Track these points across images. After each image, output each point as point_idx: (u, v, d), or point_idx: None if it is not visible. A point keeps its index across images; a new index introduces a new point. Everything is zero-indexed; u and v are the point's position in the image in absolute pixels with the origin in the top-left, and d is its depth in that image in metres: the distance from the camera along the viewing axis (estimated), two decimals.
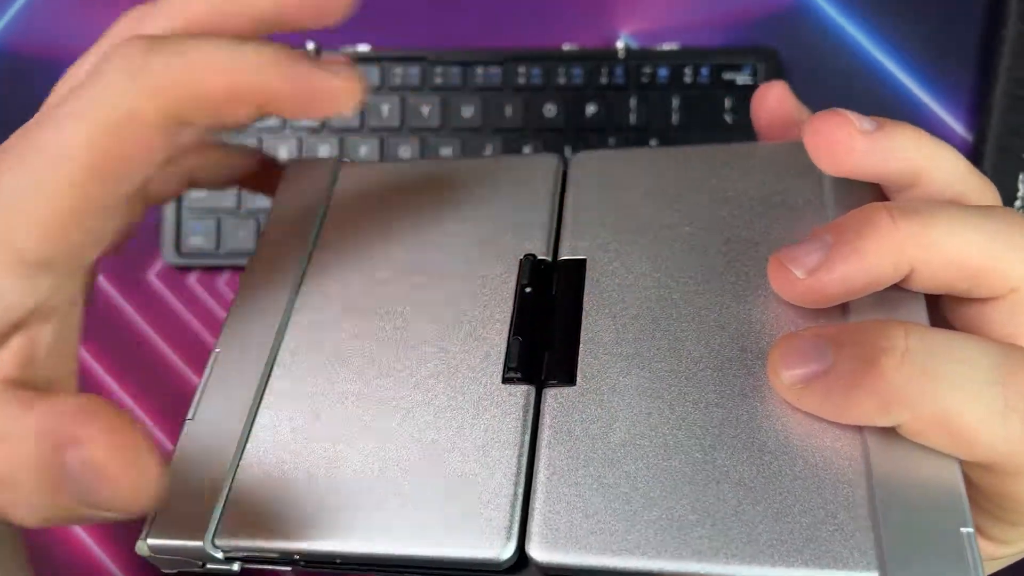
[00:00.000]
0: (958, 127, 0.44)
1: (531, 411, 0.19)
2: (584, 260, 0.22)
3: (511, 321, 0.21)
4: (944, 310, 0.20)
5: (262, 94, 0.18)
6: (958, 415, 0.16)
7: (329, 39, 0.45)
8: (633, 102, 0.43)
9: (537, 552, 0.17)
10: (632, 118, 0.43)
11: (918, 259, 0.18)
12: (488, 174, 0.25)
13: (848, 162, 0.19)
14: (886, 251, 0.18)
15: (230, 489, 0.19)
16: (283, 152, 0.44)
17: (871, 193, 0.21)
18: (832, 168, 0.19)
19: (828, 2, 0.45)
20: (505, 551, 0.17)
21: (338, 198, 0.25)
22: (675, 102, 0.43)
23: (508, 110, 0.44)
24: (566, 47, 0.44)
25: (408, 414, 0.20)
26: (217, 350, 0.22)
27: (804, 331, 0.18)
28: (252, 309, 0.22)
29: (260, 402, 0.21)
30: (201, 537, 0.19)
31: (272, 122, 0.44)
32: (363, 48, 0.44)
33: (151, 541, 0.19)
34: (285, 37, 0.47)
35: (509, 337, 0.20)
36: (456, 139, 0.44)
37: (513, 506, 0.18)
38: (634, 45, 0.45)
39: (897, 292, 0.18)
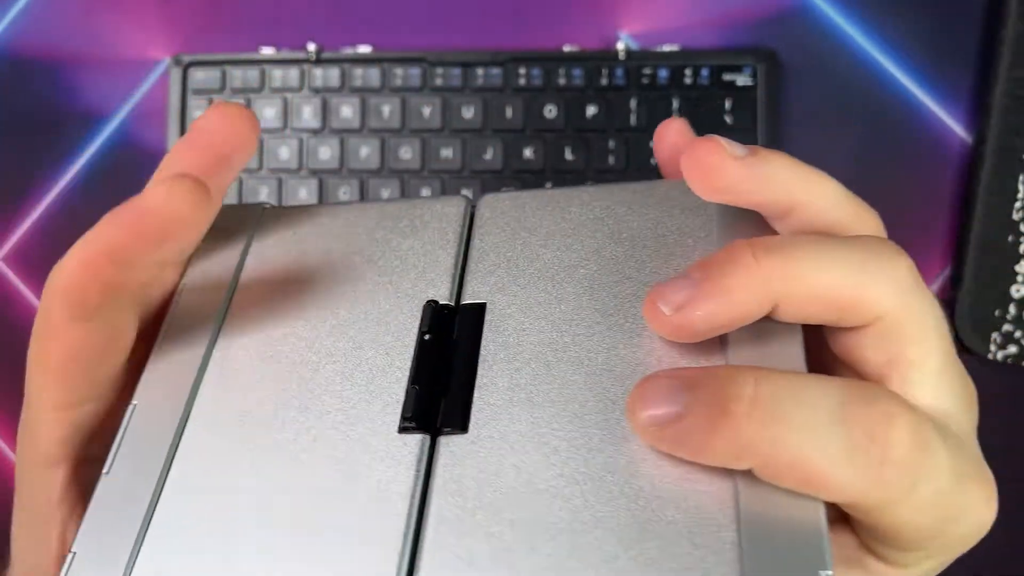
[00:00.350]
0: (958, 128, 0.44)
1: (424, 460, 0.20)
2: (484, 304, 0.22)
3: (410, 369, 0.21)
4: (825, 337, 0.21)
5: (122, 251, 0.20)
6: (807, 460, 0.16)
7: (331, 41, 0.45)
8: (633, 103, 0.43)
9: None
10: (632, 119, 0.43)
11: (782, 294, 0.18)
12: (397, 218, 0.25)
13: (720, 186, 0.19)
14: (750, 287, 0.18)
15: (141, 543, 0.20)
16: (284, 153, 0.44)
17: (756, 228, 0.21)
18: (706, 192, 0.20)
19: (828, 3, 0.45)
20: None
21: (257, 246, 0.25)
22: (675, 103, 0.43)
23: (508, 111, 0.44)
24: (566, 48, 0.44)
25: (308, 467, 0.20)
26: (134, 402, 0.22)
27: (662, 372, 0.18)
28: (169, 361, 0.23)
29: (173, 458, 0.21)
30: None
31: (273, 124, 0.44)
32: (364, 49, 0.44)
33: None
34: (286, 38, 0.47)
35: (408, 385, 0.21)
36: (457, 140, 0.44)
37: (402, 553, 0.18)
38: (634, 46, 0.45)
39: (773, 323, 0.19)
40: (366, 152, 0.44)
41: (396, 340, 0.22)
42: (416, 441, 0.20)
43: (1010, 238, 0.42)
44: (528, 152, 0.43)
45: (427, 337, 0.22)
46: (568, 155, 0.43)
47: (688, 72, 0.43)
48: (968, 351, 0.42)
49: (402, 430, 0.20)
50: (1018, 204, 0.42)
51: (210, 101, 0.44)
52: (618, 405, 0.19)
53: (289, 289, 0.24)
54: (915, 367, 0.19)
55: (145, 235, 0.21)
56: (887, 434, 0.16)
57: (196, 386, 0.22)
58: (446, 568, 0.18)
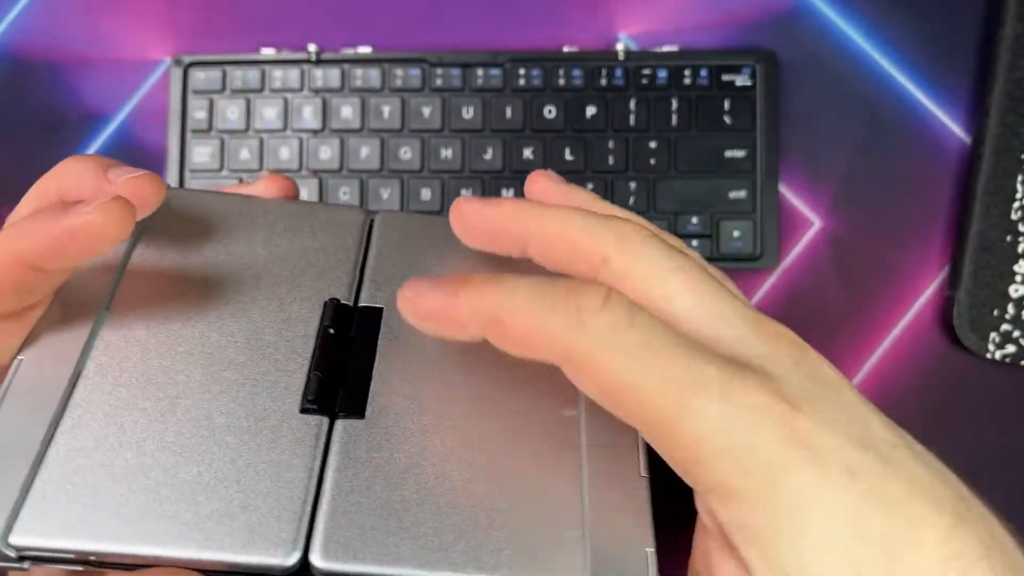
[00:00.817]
0: (956, 128, 0.44)
1: (323, 439, 0.22)
2: (381, 308, 0.24)
3: (312, 357, 0.23)
4: None
5: (26, 260, 0.21)
6: (520, 315, 0.19)
7: (331, 41, 0.45)
8: (633, 104, 0.44)
9: (318, 560, 0.20)
10: (632, 119, 0.43)
11: (532, 232, 0.22)
12: (299, 218, 0.27)
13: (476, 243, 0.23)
14: (507, 219, 0.22)
15: (27, 490, 0.20)
16: (284, 153, 0.44)
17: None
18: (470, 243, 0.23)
19: (827, 4, 0.45)
20: (290, 558, 0.20)
21: (154, 223, 0.26)
22: (674, 104, 0.44)
23: (508, 111, 0.44)
24: (566, 49, 0.44)
25: (210, 436, 0.21)
26: (21, 357, 0.22)
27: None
28: (61, 321, 0.23)
29: (64, 409, 0.21)
30: None
31: (273, 125, 0.44)
32: (364, 50, 0.44)
33: None
34: (287, 39, 0.48)
35: (309, 371, 0.23)
36: (457, 140, 0.44)
37: (300, 520, 0.20)
38: (633, 47, 0.45)
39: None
40: (366, 152, 0.44)
41: (297, 331, 0.24)
42: (316, 421, 0.22)
43: (1008, 238, 0.42)
44: (528, 152, 0.44)
45: (331, 331, 0.24)
46: (567, 155, 0.43)
47: (687, 72, 0.44)
48: (966, 350, 0.43)
49: (304, 411, 0.22)
50: (1016, 204, 0.42)
51: (211, 101, 0.44)
52: (500, 404, 0.23)
53: (188, 272, 0.25)
54: (662, 304, 0.20)
55: (71, 250, 0.21)
56: (582, 290, 0.19)
57: (88, 349, 0.23)
58: (342, 531, 0.20)
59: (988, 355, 0.42)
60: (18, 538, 0.19)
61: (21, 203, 0.24)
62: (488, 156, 0.44)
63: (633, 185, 0.43)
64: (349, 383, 0.23)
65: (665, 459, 0.19)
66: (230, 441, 0.21)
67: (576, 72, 0.44)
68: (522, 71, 0.44)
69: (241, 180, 0.44)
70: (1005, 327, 0.42)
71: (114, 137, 0.45)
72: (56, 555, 0.20)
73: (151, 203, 0.23)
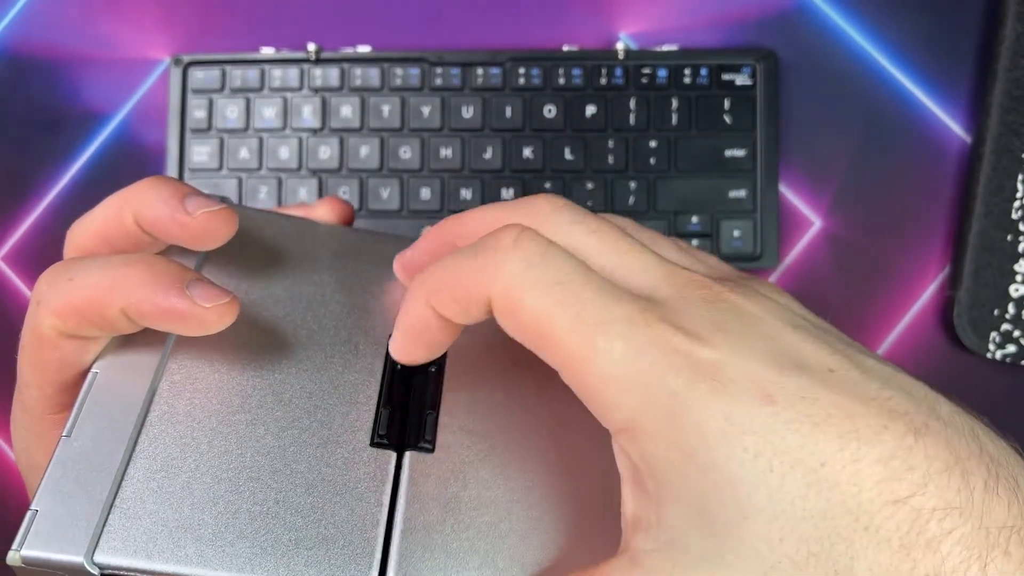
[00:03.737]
0: (957, 127, 0.44)
1: (392, 473, 0.22)
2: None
3: (380, 391, 0.23)
4: None
5: (130, 310, 0.21)
6: (454, 269, 0.20)
7: (330, 41, 0.45)
8: (633, 103, 0.43)
9: None
10: (631, 119, 0.43)
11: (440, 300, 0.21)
12: (362, 246, 0.27)
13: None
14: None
15: (110, 508, 0.20)
16: (284, 153, 0.44)
17: None
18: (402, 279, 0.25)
19: (827, 3, 0.45)
20: None
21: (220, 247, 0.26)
22: (674, 103, 0.43)
23: (508, 111, 0.44)
24: (566, 48, 0.44)
25: (284, 466, 0.21)
26: (96, 370, 0.22)
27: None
28: (135, 336, 0.23)
29: (142, 427, 0.21)
30: (80, 553, 0.19)
31: (273, 124, 0.44)
32: (364, 49, 0.44)
33: (25, 553, 0.19)
34: (287, 38, 0.47)
35: (378, 407, 0.23)
36: (456, 139, 0.44)
37: (374, 553, 0.20)
38: (633, 46, 0.45)
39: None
40: (366, 152, 0.44)
41: (365, 362, 0.24)
42: (387, 456, 0.22)
43: (1009, 237, 0.42)
44: (527, 152, 0.44)
45: (398, 367, 0.24)
46: (567, 155, 0.43)
47: (687, 72, 0.43)
48: (967, 350, 0.43)
49: (375, 444, 0.22)
50: (1017, 203, 0.42)
51: (210, 101, 0.44)
52: (549, 437, 0.23)
53: (256, 293, 0.25)
54: (575, 250, 0.21)
55: (171, 324, 0.21)
56: (496, 233, 0.19)
57: (162, 366, 0.23)
58: (418, 565, 0.20)
59: (988, 355, 0.42)
60: (103, 556, 0.19)
61: (89, 218, 0.24)
62: (488, 155, 0.44)
63: (633, 185, 0.43)
64: (416, 418, 0.23)
65: (583, 402, 0.19)
66: (304, 471, 0.21)
67: (576, 71, 0.44)
68: (522, 70, 0.44)
69: (240, 183, 0.44)
70: (1005, 327, 0.42)
71: (114, 136, 0.45)
72: (135, 574, 0.19)
73: (225, 237, 0.23)
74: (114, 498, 0.20)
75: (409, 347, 0.21)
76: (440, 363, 0.24)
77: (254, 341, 0.23)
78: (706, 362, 0.17)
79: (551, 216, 0.21)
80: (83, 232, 0.24)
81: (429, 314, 0.20)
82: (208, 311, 0.21)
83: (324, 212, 0.29)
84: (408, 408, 0.23)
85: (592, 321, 0.18)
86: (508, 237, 0.19)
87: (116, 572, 0.19)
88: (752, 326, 0.18)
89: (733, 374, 0.17)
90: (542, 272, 0.18)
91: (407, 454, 0.22)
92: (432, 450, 0.22)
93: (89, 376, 0.22)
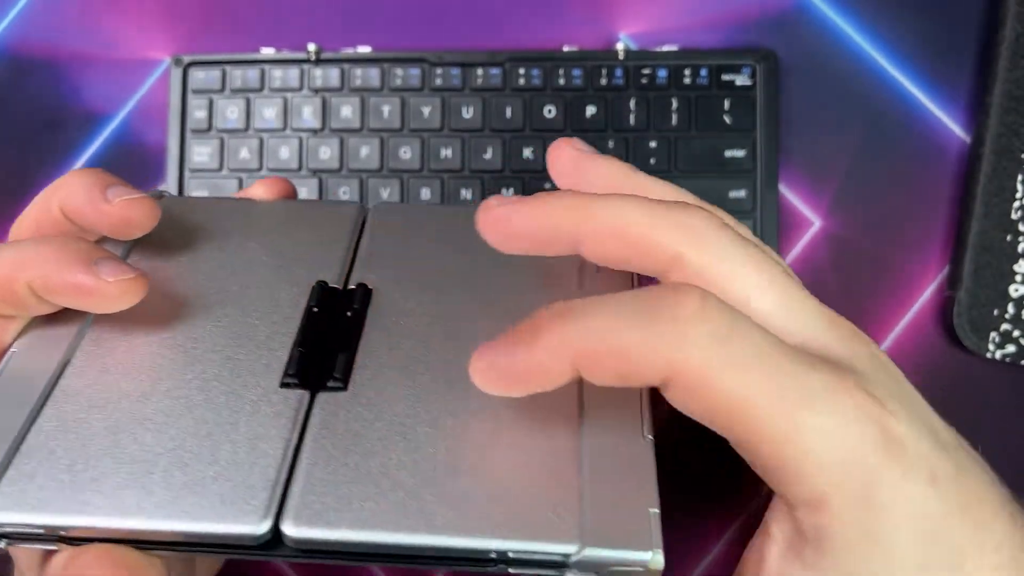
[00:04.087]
0: (956, 128, 0.44)
1: (303, 413, 0.21)
2: (371, 289, 0.24)
3: (296, 335, 0.23)
4: None
5: (33, 288, 0.21)
6: (612, 336, 0.18)
7: (331, 41, 0.45)
8: (632, 103, 0.43)
9: (290, 528, 0.19)
10: (631, 119, 0.43)
11: (585, 232, 0.20)
12: (295, 215, 0.27)
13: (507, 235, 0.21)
14: (557, 218, 0.20)
15: (4, 470, 0.20)
16: (284, 153, 0.44)
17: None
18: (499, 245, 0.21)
19: (827, 4, 0.45)
20: (260, 527, 0.19)
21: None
22: (674, 103, 0.43)
23: (508, 111, 0.44)
24: (566, 48, 0.44)
25: (188, 413, 0.21)
26: (13, 349, 0.23)
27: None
28: (54, 316, 0.23)
29: (49, 396, 0.22)
30: None
31: (273, 124, 0.44)
32: (363, 49, 0.44)
33: None
34: (287, 38, 0.47)
35: (292, 348, 0.23)
36: (456, 140, 0.44)
37: (273, 489, 0.20)
38: (633, 46, 0.45)
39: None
40: (366, 152, 0.44)
41: (284, 312, 0.24)
42: (296, 396, 0.22)
43: (1008, 237, 0.42)
44: (528, 152, 0.44)
45: (315, 309, 0.24)
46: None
47: (687, 72, 0.44)
48: (966, 350, 0.43)
49: (283, 385, 0.22)
50: (1016, 204, 0.42)
51: (210, 101, 0.44)
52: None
53: (180, 268, 0.25)
54: (745, 304, 0.19)
55: (76, 301, 0.22)
56: (676, 299, 0.17)
57: (78, 341, 0.23)
58: (314, 499, 0.19)
59: (988, 355, 0.42)
60: None
61: (26, 212, 0.24)
62: (488, 156, 0.44)
63: None
64: (332, 358, 0.22)
65: (757, 471, 0.18)
66: (209, 417, 0.21)
67: (576, 72, 0.44)
68: (522, 71, 0.44)
69: (241, 183, 0.44)
70: (1005, 327, 0.42)
71: (114, 137, 0.45)
72: (30, 532, 0.19)
73: (145, 226, 0.23)
74: (9, 461, 0.20)
75: (507, 385, 0.19)
76: (363, 307, 0.24)
77: (174, 315, 0.24)
78: (897, 439, 0.17)
79: (715, 245, 0.19)
80: (19, 224, 0.24)
81: (563, 370, 0.18)
82: (111, 285, 0.21)
83: (260, 191, 0.29)
84: (325, 351, 0.23)
85: (795, 397, 0.17)
86: (691, 304, 0.17)
87: (12, 530, 0.19)
88: (906, 391, 0.19)
89: (913, 453, 0.17)
90: (737, 349, 0.17)
91: (319, 395, 0.22)
92: (344, 388, 0.22)
93: (6, 355, 0.23)
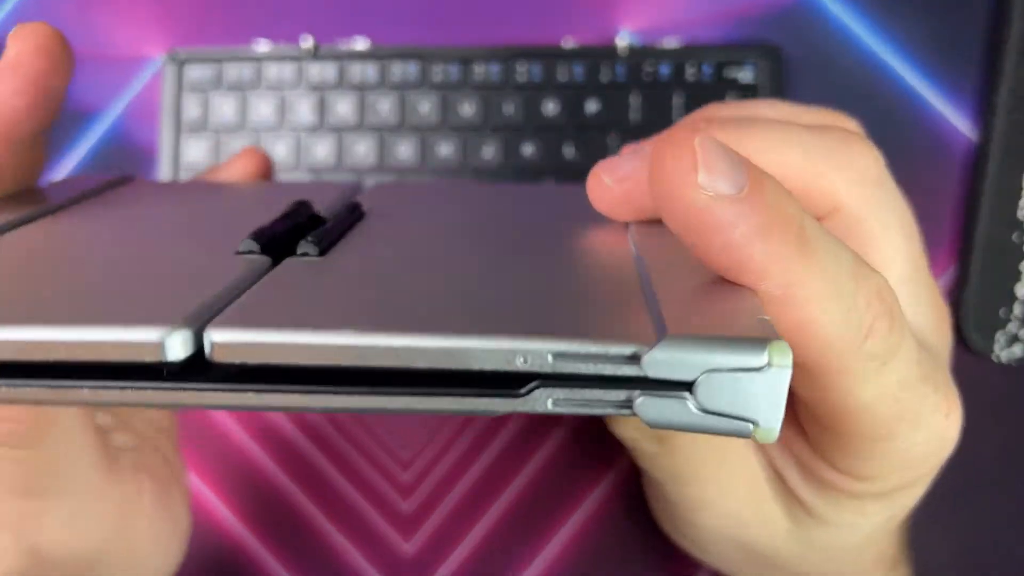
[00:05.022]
0: (963, 125, 0.44)
1: (254, 277, 0.16)
2: (363, 210, 0.21)
3: (272, 219, 0.19)
4: None
5: None
6: (817, 309, 0.15)
7: (328, 37, 0.44)
8: (634, 100, 0.43)
9: (218, 334, 0.13)
10: (634, 116, 0.43)
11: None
12: (274, 192, 0.24)
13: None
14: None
15: None
16: (279, 150, 0.43)
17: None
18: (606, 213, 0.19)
19: None
20: (175, 334, 0.13)
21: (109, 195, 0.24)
22: (677, 99, 0.43)
23: (508, 108, 0.43)
24: (566, 44, 0.44)
25: (132, 247, 0.18)
26: None
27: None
28: None
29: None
30: None
31: (269, 121, 0.43)
32: (361, 45, 0.44)
33: None
34: (282, 32, 0.47)
35: (264, 226, 0.18)
36: (455, 137, 0.43)
37: (201, 306, 0.14)
38: (636, 42, 0.44)
39: None
40: (363, 149, 0.43)
41: (263, 217, 0.19)
42: (255, 261, 0.17)
43: (1015, 237, 0.42)
44: (527, 149, 0.43)
45: (299, 205, 0.20)
46: (568, 152, 0.43)
47: (690, 68, 0.43)
48: (972, 351, 0.42)
49: (240, 252, 0.17)
50: (1023, 202, 0.42)
51: (205, 97, 0.44)
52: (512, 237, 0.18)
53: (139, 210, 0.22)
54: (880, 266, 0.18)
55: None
56: (879, 308, 0.16)
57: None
58: (253, 313, 0.14)
59: (994, 355, 0.42)
60: None
61: None
62: (487, 153, 0.43)
63: None
64: (312, 231, 0.18)
65: (806, 401, 0.18)
66: (150, 258, 0.17)
67: (577, 68, 0.43)
68: (522, 67, 0.43)
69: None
70: (1012, 327, 0.42)
71: (107, 134, 0.45)
72: None
73: (51, 49, 0.21)
74: None
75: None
76: (350, 214, 0.20)
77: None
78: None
79: (873, 197, 0.19)
80: None
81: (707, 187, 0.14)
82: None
83: (241, 167, 0.28)
84: (298, 232, 0.18)
85: (946, 392, 0.20)
86: (889, 310, 0.16)
87: None
88: None
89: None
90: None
91: (286, 260, 0.17)
92: (319, 255, 0.17)
93: None
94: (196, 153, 0.43)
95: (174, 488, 0.27)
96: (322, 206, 0.21)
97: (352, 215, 0.20)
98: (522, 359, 0.12)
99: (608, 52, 0.43)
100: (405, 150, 0.43)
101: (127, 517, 0.25)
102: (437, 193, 0.24)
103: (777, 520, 0.22)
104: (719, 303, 0.14)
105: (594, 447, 0.38)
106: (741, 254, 0.14)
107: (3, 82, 0.21)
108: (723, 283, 0.15)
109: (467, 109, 0.43)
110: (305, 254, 0.17)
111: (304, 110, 0.43)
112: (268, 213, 0.20)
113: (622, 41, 0.43)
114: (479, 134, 0.43)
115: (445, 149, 0.43)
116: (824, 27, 0.44)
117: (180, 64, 0.44)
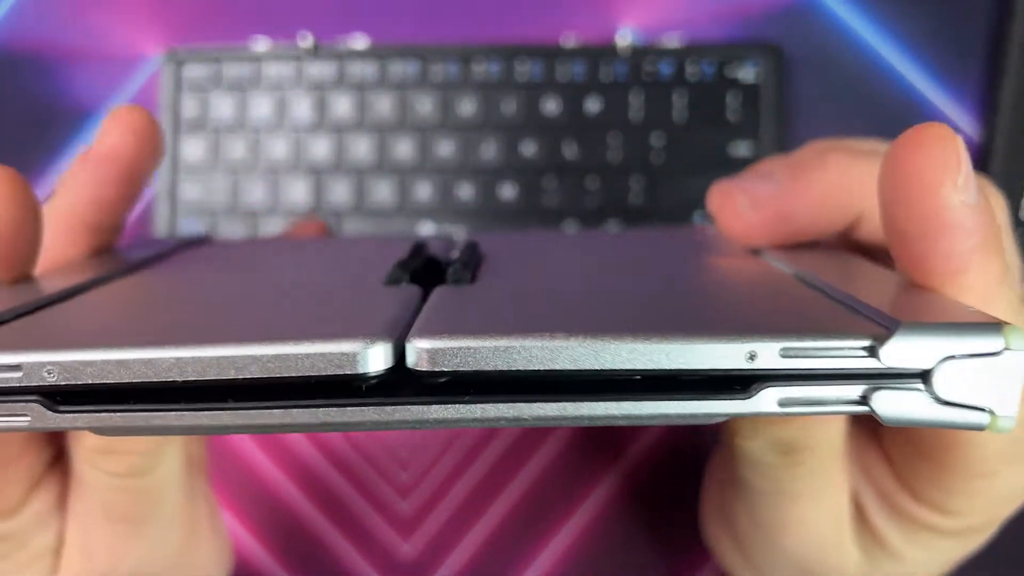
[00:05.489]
0: (967, 125, 0.44)
1: (416, 303, 0.16)
2: (481, 252, 0.20)
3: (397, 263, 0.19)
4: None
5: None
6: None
7: (327, 35, 0.44)
8: (635, 98, 0.43)
9: (422, 342, 0.13)
10: (634, 114, 0.43)
11: (869, 206, 0.17)
12: (350, 247, 0.24)
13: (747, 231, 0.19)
14: (838, 192, 0.17)
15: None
16: (278, 149, 0.43)
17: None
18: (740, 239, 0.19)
19: None
20: (377, 345, 0.13)
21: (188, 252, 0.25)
22: (678, 98, 0.43)
23: (508, 106, 0.43)
24: (567, 43, 0.43)
25: (292, 281, 0.18)
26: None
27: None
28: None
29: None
30: None
31: (267, 120, 0.43)
32: (360, 43, 0.43)
33: None
34: (281, 28, 0.46)
35: (404, 258, 0.18)
36: (455, 136, 0.43)
37: (396, 323, 0.14)
38: (636, 40, 0.44)
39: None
40: (362, 148, 0.43)
41: (391, 256, 0.19)
42: (405, 291, 0.17)
43: (1018, 235, 0.41)
44: (528, 148, 0.43)
45: (418, 246, 0.20)
46: (568, 151, 0.43)
47: (691, 67, 0.43)
48: None
49: (390, 283, 0.17)
50: None
51: (203, 96, 0.43)
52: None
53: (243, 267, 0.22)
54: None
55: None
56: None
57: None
58: (453, 324, 0.14)
59: None
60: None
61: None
62: (487, 152, 0.43)
63: (635, 181, 0.42)
64: (451, 264, 0.18)
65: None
66: (307, 301, 0.16)
67: (577, 66, 0.43)
68: (522, 65, 0.43)
69: (234, 181, 0.43)
70: None
71: None
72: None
73: (143, 132, 0.22)
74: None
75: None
76: (474, 253, 0.19)
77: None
78: None
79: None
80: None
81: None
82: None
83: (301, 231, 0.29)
84: (436, 268, 0.18)
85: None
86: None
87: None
88: None
89: None
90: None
91: (437, 288, 0.17)
92: (471, 281, 0.17)
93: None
94: (195, 152, 0.43)
95: (219, 510, 0.28)
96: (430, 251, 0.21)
97: (478, 251, 0.20)
98: (749, 355, 0.12)
99: (609, 50, 0.43)
100: (405, 149, 0.43)
101: (191, 537, 0.25)
102: (539, 239, 0.23)
103: (850, 551, 0.21)
104: (922, 301, 0.14)
105: (593, 448, 0.38)
106: (961, 263, 0.14)
107: (99, 171, 0.20)
108: (910, 287, 0.15)
109: (467, 108, 0.43)
110: (458, 280, 0.17)
111: (303, 109, 0.43)
112: (382, 256, 0.20)
113: (623, 39, 0.43)
114: (479, 133, 0.43)
115: (445, 148, 0.43)
116: (826, 26, 0.44)
117: (178, 63, 0.43)
